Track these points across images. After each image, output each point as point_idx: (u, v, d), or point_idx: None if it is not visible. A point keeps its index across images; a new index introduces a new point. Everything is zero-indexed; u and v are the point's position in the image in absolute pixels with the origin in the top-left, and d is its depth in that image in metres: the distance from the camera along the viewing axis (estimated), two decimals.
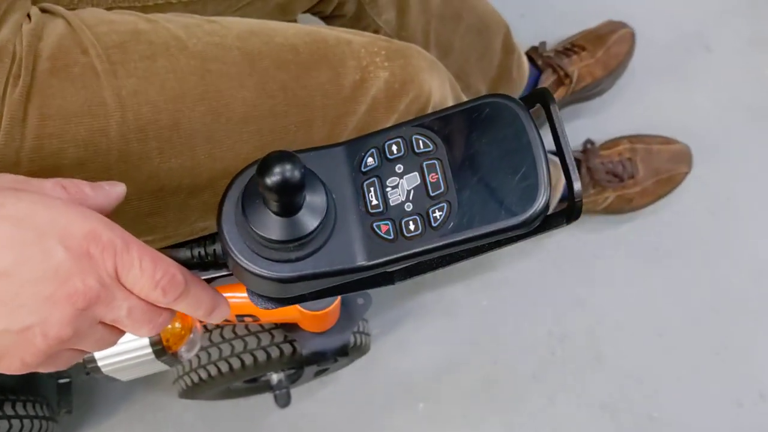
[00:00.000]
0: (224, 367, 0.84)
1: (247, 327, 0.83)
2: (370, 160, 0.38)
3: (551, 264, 1.18)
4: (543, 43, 1.20)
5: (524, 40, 1.13)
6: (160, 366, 0.61)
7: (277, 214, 0.34)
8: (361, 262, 0.36)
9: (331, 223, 0.36)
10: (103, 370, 0.58)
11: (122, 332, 0.39)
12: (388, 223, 0.37)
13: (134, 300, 0.37)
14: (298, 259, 0.36)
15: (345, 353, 0.83)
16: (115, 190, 0.42)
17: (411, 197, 0.37)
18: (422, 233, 0.36)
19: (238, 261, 0.37)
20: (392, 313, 1.13)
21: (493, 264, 1.17)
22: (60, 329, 0.35)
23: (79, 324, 0.36)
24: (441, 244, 0.36)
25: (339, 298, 0.71)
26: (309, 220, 0.35)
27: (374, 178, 0.38)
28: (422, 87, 0.66)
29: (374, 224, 0.37)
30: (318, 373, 0.94)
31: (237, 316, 0.72)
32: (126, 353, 0.58)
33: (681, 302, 1.16)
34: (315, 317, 0.73)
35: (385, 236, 0.36)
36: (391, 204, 0.37)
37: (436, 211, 0.36)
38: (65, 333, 0.35)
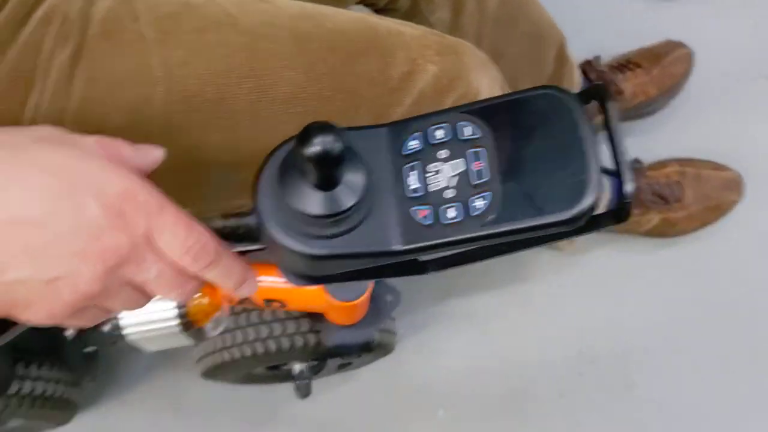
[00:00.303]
0: (248, 351, 0.83)
1: (273, 313, 0.83)
2: (412, 143, 0.37)
3: (586, 283, 1.15)
4: (597, 57, 1.18)
5: (579, 55, 1.10)
6: (184, 340, 0.61)
7: (314, 187, 0.34)
8: (396, 246, 0.35)
9: (368, 204, 0.36)
10: (128, 338, 0.58)
11: (150, 296, 0.39)
12: (427, 208, 0.35)
13: (164, 264, 0.37)
14: (331, 237, 0.35)
15: (369, 349, 0.82)
16: (153, 154, 0.42)
17: (453, 184, 0.36)
18: (461, 222, 0.35)
19: (272, 234, 0.36)
20: (419, 316, 1.11)
21: (527, 277, 1.15)
22: (88, 284, 0.35)
23: (108, 282, 0.35)
24: (480, 234, 0.35)
25: (369, 292, 0.71)
26: (346, 197, 0.34)
27: (416, 162, 0.36)
28: (471, 85, 0.64)
29: (412, 209, 0.36)
30: (341, 367, 0.93)
31: (265, 300, 0.72)
32: (152, 323, 0.58)
33: (720, 337, 1.12)
34: (343, 309, 0.72)
35: (423, 222, 0.35)
36: (432, 189, 0.36)
37: (478, 200, 0.35)
38: (93, 289, 0.35)
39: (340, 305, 0.70)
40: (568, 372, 1.11)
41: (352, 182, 0.34)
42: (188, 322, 0.59)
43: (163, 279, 0.38)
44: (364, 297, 0.70)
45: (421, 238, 0.35)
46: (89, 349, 0.89)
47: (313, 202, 0.34)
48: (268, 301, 0.72)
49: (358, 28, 0.61)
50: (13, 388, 0.78)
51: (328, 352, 0.82)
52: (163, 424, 1.05)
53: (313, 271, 0.39)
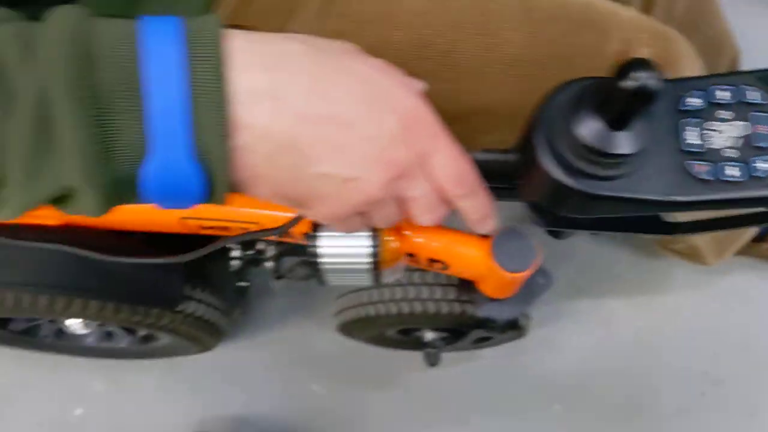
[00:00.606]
0: (392, 310, 0.86)
1: (422, 277, 0.85)
2: (693, 100, 0.38)
3: (722, 304, 1.12)
4: None
5: None
6: (364, 279, 0.64)
7: (606, 125, 0.35)
8: (673, 197, 0.36)
9: (647, 152, 0.37)
10: (321, 265, 0.61)
11: (405, 214, 0.42)
12: (706, 164, 0.36)
13: (430, 185, 0.40)
14: (605, 178, 0.37)
15: (515, 326, 0.83)
16: (419, 85, 0.44)
17: (735, 144, 0.36)
18: (744, 182, 0.35)
19: (544, 165, 0.37)
20: (550, 309, 1.11)
21: (662, 288, 1.13)
22: (373, 190, 0.37)
23: (387, 191, 0.38)
24: (763, 195, 0.35)
25: (535, 266, 0.71)
26: (633, 140, 0.35)
27: (695, 119, 0.37)
28: (680, 73, 0.65)
29: (689, 162, 0.36)
30: (476, 342, 0.95)
31: (429, 259, 0.73)
32: (348, 257, 0.61)
33: None
34: (502, 280, 0.73)
35: (700, 176, 0.36)
36: (711, 147, 0.37)
37: (763, 162, 0.35)
38: (376, 195, 0.38)
39: (504, 275, 0.71)
40: (690, 389, 1.09)
41: (641, 128, 0.36)
42: (377, 262, 0.62)
43: (425, 199, 0.40)
44: (529, 271, 0.71)
45: (698, 193, 0.36)
46: (242, 283, 0.94)
47: (602, 138, 0.35)
48: (432, 260, 0.74)
49: (578, 3, 0.62)
50: (179, 306, 0.84)
51: (474, 323, 0.83)
52: (286, 369, 1.10)
53: (570, 211, 0.40)
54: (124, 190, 0.34)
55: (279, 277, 0.83)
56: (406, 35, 0.56)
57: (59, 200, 0.34)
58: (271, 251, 0.87)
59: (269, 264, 0.86)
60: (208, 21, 0.34)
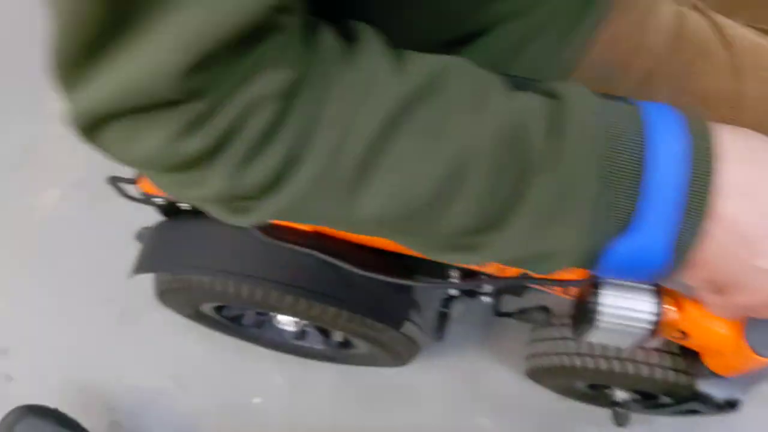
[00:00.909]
0: (602, 366, 0.85)
1: None
2: None
3: None
4: None
5: None
6: (628, 342, 0.64)
7: None
8: None
9: None
10: (599, 322, 0.62)
11: None
12: None
13: None
14: None
15: (734, 406, 0.81)
16: None
17: None
18: None
19: None
20: None
21: None
22: None
23: None
24: None
25: None
26: None
27: None
28: None
29: None
30: (681, 413, 0.93)
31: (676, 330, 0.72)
32: (628, 319, 0.61)
33: None
34: (744, 361, 0.72)
35: None
36: None
37: None
38: None
39: (752, 357, 0.70)
40: None
41: None
42: (654, 331, 0.62)
43: None
44: None
45: None
46: (444, 309, 0.96)
47: None
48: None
49: None
50: None
51: (693, 396, 0.82)
52: (456, 396, 1.11)
53: None
54: (587, 259, 0.36)
55: (500, 314, 0.85)
56: (747, 119, 0.56)
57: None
58: (488, 287, 0.88)
59: (487, 299, 0.88)
60: (701, 114, 0.35)
